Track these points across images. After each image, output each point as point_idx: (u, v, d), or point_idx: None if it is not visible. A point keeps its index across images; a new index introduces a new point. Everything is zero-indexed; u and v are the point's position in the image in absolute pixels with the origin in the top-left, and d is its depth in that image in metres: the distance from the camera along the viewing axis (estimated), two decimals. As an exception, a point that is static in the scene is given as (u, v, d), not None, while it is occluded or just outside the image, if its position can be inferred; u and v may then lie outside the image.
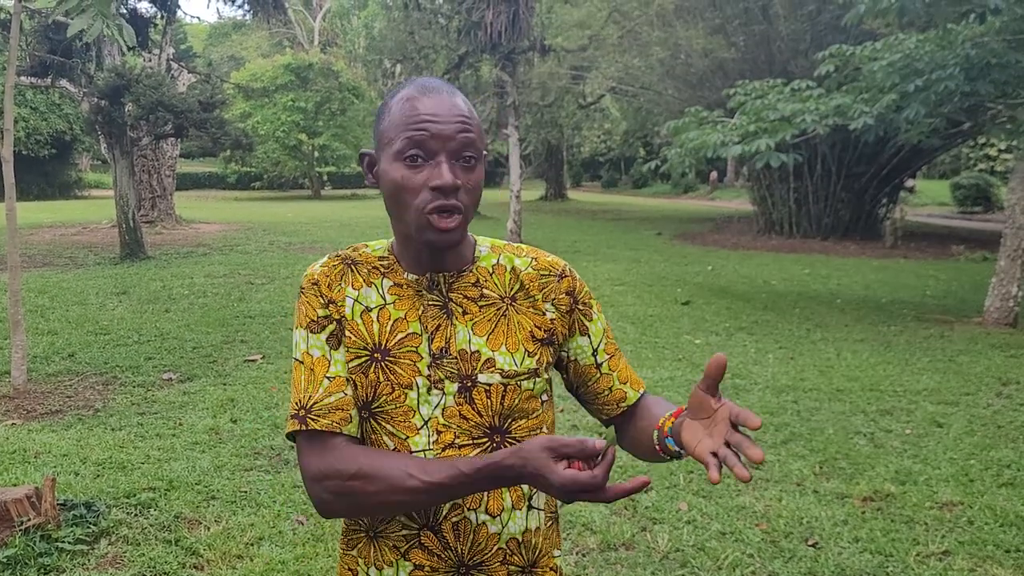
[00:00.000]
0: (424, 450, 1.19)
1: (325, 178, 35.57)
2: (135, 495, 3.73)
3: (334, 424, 1.16)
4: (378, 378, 1.19)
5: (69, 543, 3.21)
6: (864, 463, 4.30)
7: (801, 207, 17.25)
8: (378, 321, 1.21)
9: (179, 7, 14.68)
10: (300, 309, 1.23)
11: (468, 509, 1.20)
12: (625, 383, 1.34)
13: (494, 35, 14.98)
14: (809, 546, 3.37)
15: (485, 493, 1.20)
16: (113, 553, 3.23)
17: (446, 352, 1.20)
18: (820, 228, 17.02)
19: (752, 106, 8.64)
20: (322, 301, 1.21)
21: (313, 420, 1.16)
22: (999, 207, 20.89)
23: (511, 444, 1.21)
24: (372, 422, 1.20)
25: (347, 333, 1.20)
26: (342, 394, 1.18)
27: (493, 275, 1.27)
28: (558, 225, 20.41)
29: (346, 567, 1.28)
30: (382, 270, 1.24)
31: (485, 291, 1.26)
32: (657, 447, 1.20)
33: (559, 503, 1.34)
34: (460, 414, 1.20)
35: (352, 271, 1.24)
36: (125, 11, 12.43)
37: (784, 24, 15.97)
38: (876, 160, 16.11)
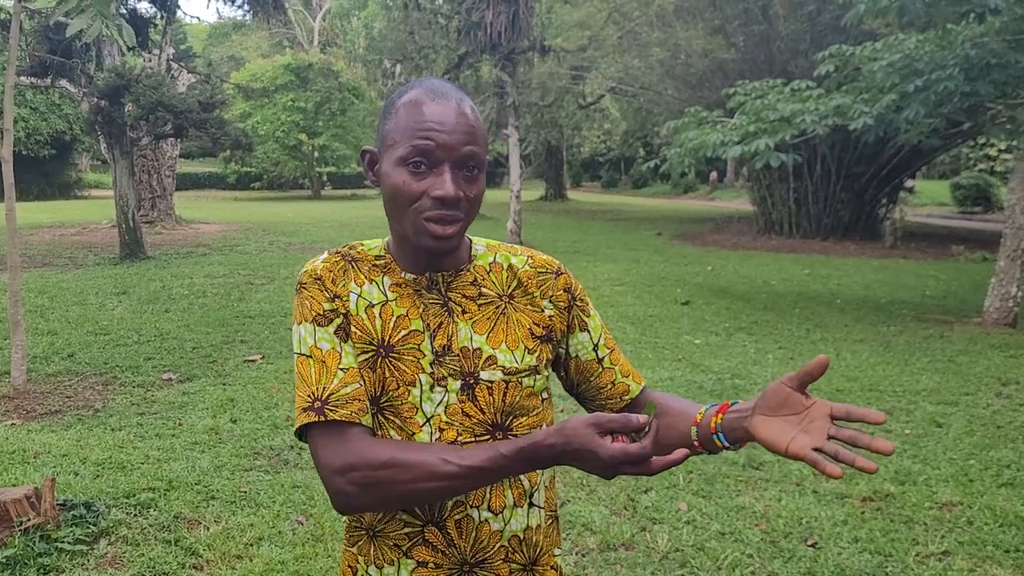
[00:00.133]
0: None
1: (325, 178, 35.58)
2: (135, 495, 3.73)
3: (353, 414, 1.14)
4: (384, 373, 1.19)
5: (68, 543, 3.21)
6: (864, 463, 4.29)
7: (801, 207, 17.25)
8: (381, 317, 1.21)
9: (179, 7, 14.68)
10: (303, 304, 1.21)
11: (471, 506, 1.20)
12: (627, 377, 1.36)
13: (494, 35, 14.98)
14: (808, 546, 3.37)
15: (487, 490, 1.21)
16: (113, 553, 3.23)
17: (448, 349, 1.21)
18: (820, 228, 17.02)
19: (752, 106, 8.64)
20: (327, 295, 1.20)
21: (332, 411, 1.14)
22: (999, 207, 20.90)
23: None
24: (380, 417, 1.20)
25: (353, 328, 1.20)
26: (357, 384, 1.17)
27: (490, 273, 1.28)
28: (558, 225, 20.41)
29: (346, 564, 1.28)
30: (381, 268, 1.25)
31: (483, 290, 1.26)
32: (696, 442, 1.20)
33: (558, 502, 1.34)
34: (463, 411, 1.20)
35: (354, 267, 1.24)
36: (125, 11, 12.43)
37: (784, 24, 15.97)
38: (876, 160, 16.11)
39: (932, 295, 10.35)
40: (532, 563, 1.27)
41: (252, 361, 6.35)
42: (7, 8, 11.84)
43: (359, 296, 1.21)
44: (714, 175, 34.74)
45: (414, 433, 1.19)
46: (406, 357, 1.20)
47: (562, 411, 4.97)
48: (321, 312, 1.19)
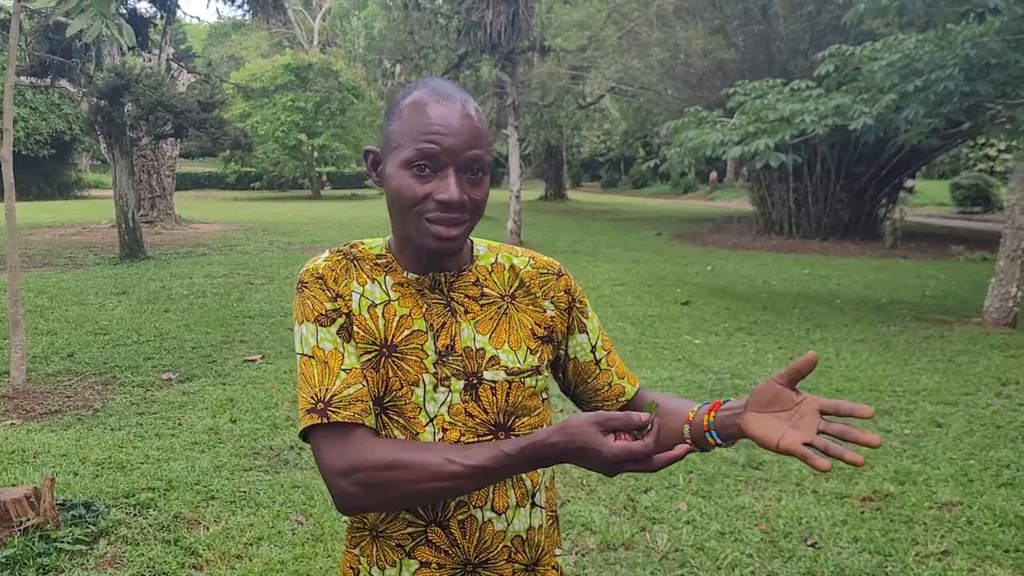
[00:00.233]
0: None
1: (325, 178, 35.57)
2: (134, 495, 3.73)
3: (356, 416, 1.13)
4: (387, 373, 1.19)
5: (68, 543, 3.21)
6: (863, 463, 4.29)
7: (801, 207, 17.25)
8: (383, 317, 1.20)
9: (179, 7, 14.68)
10: (305, 303, 1.20)
11: (474, 507, 1.21)
12: (623, 378, 1.37)
13: (494, 35, 14.98)
14: (808, 546, 3.37)
15: (490, 490, 1.21)
16: (112, 553, 3.23)
17: (451, 349, 1.21)
18: (820, 228, 17.02)
19: (751, 106, 8.64)
20: (329, 295, 1.20)
21: (334, 412, 1.13)
22: (999, 207, 20.90)
23: None
24: (384, 417, 1.20)
25: (356, 327, 1.19)
26: (360, 385, 1.16)
27: (492, 274, 1.29)
28: (558, 225, 20.41)
29: (348, 565, 1.28)
30: (383, 267, 1.24)
31: (485, 290, 1.27)
32: (689, 440, 1.20)
33: (558, 502, 1.35)
34: (466, 411, 1.20)
35: (356, 266, 1.23)
36: (125, 11, 12.42)
37: (783, 24, 15.97)
38: (876, 160, 16.12)
39: (932, 295, 10.35)
40: (534, 563, 1.27)
41: (252, 361, 6.35)
42: (7, 8, 11.84)
43: (362, 296, 1.21)
44: (714, 175, 34.74)
45: (418, 433, 1.19)
46: (409, 357, 1.20)
47: (561, 411, 4.97)
48: (323, 312, 1.19)
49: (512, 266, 1.30)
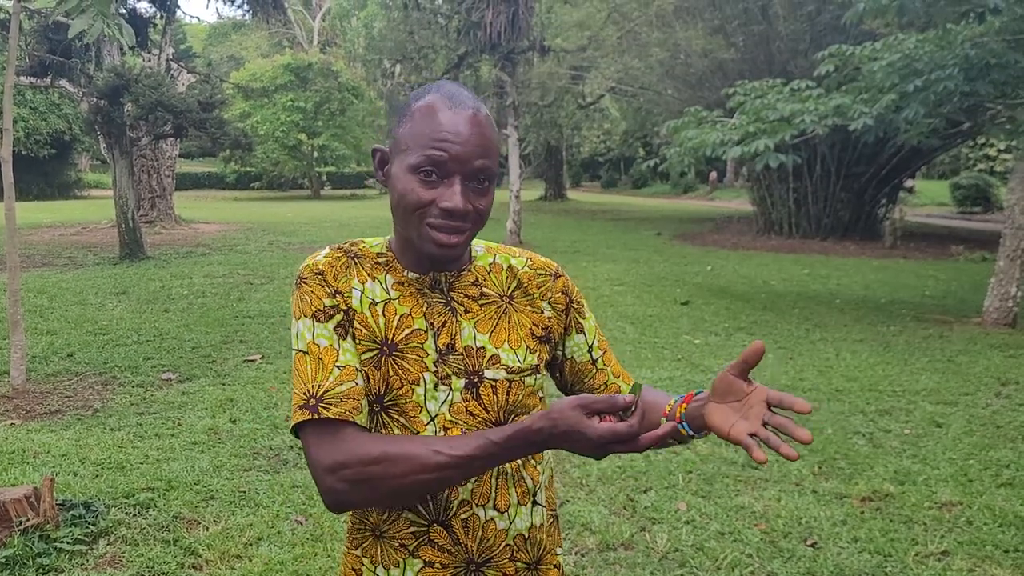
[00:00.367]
0: None
1: (324, 178, 35.55)
2: (134, 495, 3.73)
3: (347, 413, 1.13)
4: (388, 372, 1.19)
5: (68, 543, 3.21)
6: (863, 463, 4.30)
7: (801, 207, 17.25)
8: (384, 315, 1.20)
9: (178, 7, 14.68)
10: (303, 299, 1.20)
11: (476, 505, 1.21)
12: (618, 377, 1.38)
13: (494, 35, 14.98)
14: (808, 546, 3.37)
15: (492, 489, 1.21)
16: (112, 553, 3.23)
17: (452, 348, 1.21)
18: (819, 228, 17.02)
19: (751, 106, 8.64)
20: (328, 291, 1.19)
21: (325, 408, 1.13)
22: (998, 207, 20.90)
23: None
24: (384, 415, 1.20)
25: (356, 325, 1.19)
26: (353, 383, 1.16)
27: (491, 274, 1.29)
28: (557, 225, 20.41)
29: (349, 567, 1.28)
30: (383, 266, 1.24)
31: (485, 290, 1.27)
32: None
33: (557, 501, 1.35)
34: (467, 410, 1.21)
35: (356, 264, 1.23)
36: (124, 11, 12.42)
37: (783, 24, 15.97)
38: (875, 160, 16.12)
39: (932, 295, 10.35)
40: (536, 562, 1.27)
41: (251, 361, 6.35)
42: (7, 8, 11.84)
43: (362, 293, 1.21)
44: (714, 175, 34.74)
45: (418, 431, 1.19)
46: (410, 356, 1.20)
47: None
48: (321, 308, 1.18)
49: (510, 267, 1.31)
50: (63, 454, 4.26)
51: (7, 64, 5.39)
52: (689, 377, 5.98)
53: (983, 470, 4.21)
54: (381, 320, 1.20)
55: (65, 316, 7.91)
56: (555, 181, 32.30)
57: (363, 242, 1.28)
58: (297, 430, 1.16)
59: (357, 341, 1.19)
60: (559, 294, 1.32)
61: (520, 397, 1.24)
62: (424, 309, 1.22)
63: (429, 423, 1.19)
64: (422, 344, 1.20)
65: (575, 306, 1.34)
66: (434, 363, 1.20)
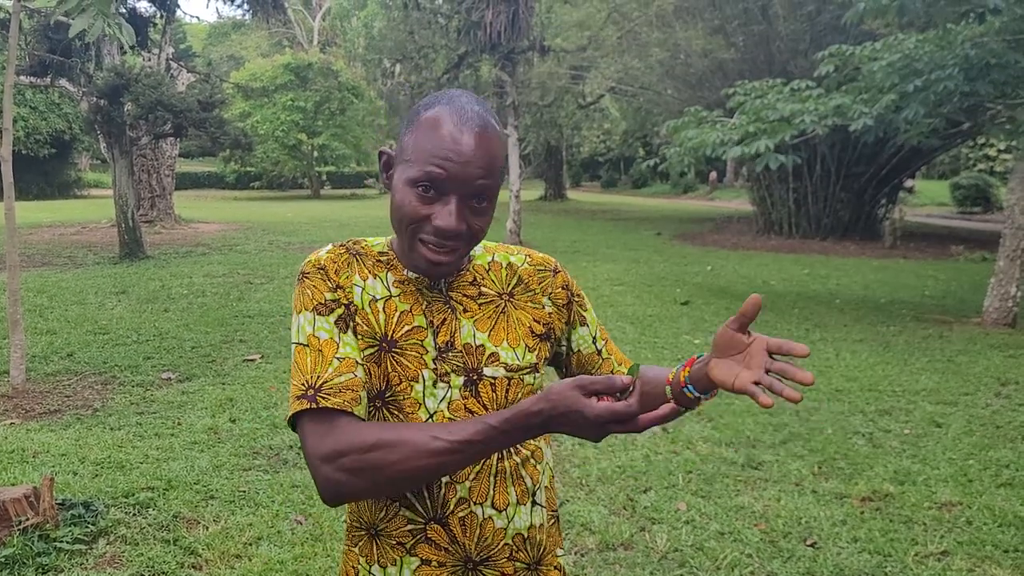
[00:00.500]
0: None
1: (324, 178, 35.54)
2: (133, 495, 3.73)
3: (345, 403, 1.12)
4: (387, 368, 1.19)
5: (67, 543, 3.21)
6: (863, 463, 4.30)
7: (800, 207, 17.25)
8: (384, 312, 1.21)
9: (178, 6, 14.69)
10: (305, 293, 1.20)
11: (475, 503, 1.21)
12: (621, 365, 1.40)
13: (494, 35, 14.97)
14: (808, 546, 3.37)
15: (491, 487, 1.21)
16: (111, 553, 3.23)
17: (451, 346, 1.22)
18: (819, 228, 17.02)
19: (751, 106, 8.64)
20: (330, 285, 1.20)
21: (324, 398, 1.12)
22: (998, 207, 20.91)
23: None
24: (384, 412, 1.20)
25: (357, 320, 1.19)
26: (352, 375, 1.15)
27: (490, 272, 1.30)
28: (557, 225, 20.40)
29: (349, 565, 1.28)
30: (385, 264, 1.25)
31: (483, 289, 1.28)
32: (670, 399, 1.21)
33: (557, 502, 1.35)
34: (466, 407, 1.21)
35: (358, 261, 1.24)
36: (124, 10, 12.42)
37: (783, 24, 15.97)
38: (875, 160, 16.12)
39: (931, 295, 10.35)
40: (536, 563, 1.27)
41: (251, 361, 6.35)
42: (7, 7, 11.83)
43: (363, 289, 1.21)
44: (714, 175, 34.74)
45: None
46: (409, 352, 1.20)
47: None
48: (323, 301, 1.19)
49: (509, 264, 1.32)
50: (63, 453, 4.26)
51: (7, 63, 5.39)
52: (689, 377, 5.97)
53: (983, 470, 4.21)
54: (381, 316, 1.20)
55: (65, 316, 7.91)
56: (555, 181, 32.29)
57: (365, 241, 1.28)
58: (295, 422, 1.15)
59: (358, 336, 1.19)
60: (560, 289, 1.33)
61: (519, 395, 1.24)
62: (424, 307, 1.23)
63: (428, 420, 1.19)
64: (422, 341, 1.21)
65: (576, 299, 1.36)
66: (433, 360, 1.20)
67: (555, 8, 21.75)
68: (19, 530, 3.17)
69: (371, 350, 1.19)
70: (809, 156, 15.36)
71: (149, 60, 15.16)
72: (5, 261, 6.18)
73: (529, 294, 1.30)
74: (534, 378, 1.27)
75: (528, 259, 1.34)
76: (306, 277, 1.21)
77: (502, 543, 1.23)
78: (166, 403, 5.24)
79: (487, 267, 1.30)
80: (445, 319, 1.23)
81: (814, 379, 1.07)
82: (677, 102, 18.12)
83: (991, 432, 4.82)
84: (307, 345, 1.17)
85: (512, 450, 1.25)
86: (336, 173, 36.43)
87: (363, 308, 1.20)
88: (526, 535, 1.25)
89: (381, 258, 1.25)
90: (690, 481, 4.02)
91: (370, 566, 1.24)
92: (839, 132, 9.60)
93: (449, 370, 1.21)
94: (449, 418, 1.20)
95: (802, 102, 8.30)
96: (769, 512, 3.68)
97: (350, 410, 1.13)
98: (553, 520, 1.32)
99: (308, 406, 1.12)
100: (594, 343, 1.37)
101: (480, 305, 1.26)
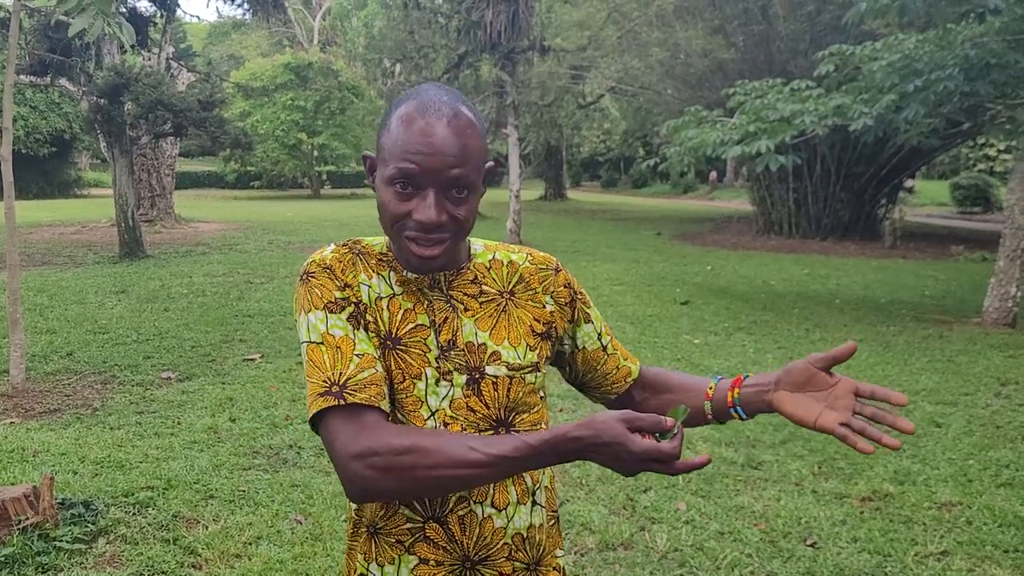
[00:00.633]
0: None
1: (324, 177, 35.55)
2: (133, 494, 3.73)
3: (372, 398, 1.11)
4: (391, 366, 1.19)
5: (67, 542, 3.21)
6: (863, 463, 4.30)
7: (800, 207, 17.25)
8: (389, 310, 1.21)
9: (179, 6, 14.69)
10: (313, 292, 1.19)
11: (474, 502, 1.20)
12: (627, 359, 1.41)
13: (494, 35, 14.98)
14: (807, 546, 3.37)
15: (491, 486, 1.21)
16: (111, 552, 3.23)
17: (453, 344, 1.22)
18: (819, 228, 17.02)
19: (752, 106, 8.64)
20: (338, 284, 1.19)
21: (351, 394, 1.11)
22: (998, 207, 20.90)
23: None
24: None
25: (368, 318, 1.19)
26: (374, 370, 1.15)
27: (491, 270, 1.30)
28: (557, 225, 20.40)
29: (352, 564, 1.29)
30: (387, 264, 1.25)
31: (484, 287, 1.28)
32: (710, 416, 1.23)
33: (557, 502, 1.35)
34: (467, 406, 1.21)
35: (362, 260, 1.24)
36: (124, 10, 12.42)
37: (783, 24, 15.97)
38: (875, 160, 16.12)
39: (931, 295, 10.35)
40: (535, 563, 1.27)
41: (251, 360, 6.34)
42: (7, 7, 11.83)
43: (370, 288, 1.21)
44: (714, 175, 34.74)
45: (419, 427, 1.19)
46: (412, 350, 1.20)
47: (561, 411, 4.97)
48: (333, 299, 1.18)
49: (511, 262, 1.32)
50: (62, 453, 4.26)
51: (7, 63, 5.39)
52: (689, 377, 5.97)
53: (983, 470, 4.21)
54: (386, 314, 1.20)
55: (65, 315, 7.90)
56: (555, 181, 32.30)
57: (365, 240, 1.29)
58: (316, 421, 1.13)
59: (372, 335, 1.19)
60: (562, 287, 1.33)
61: (521, 394, 1.24)
62: (426, 306, 1.23)
63: (429, 418, 1.19)
64: (424, 339, 1.21)
65: (579, 297, 1.36)
66: (436, 359, 1.20)
67: (555, 8, 21.74)
68: (19, 529, 3.17)
69: (378, 348, 1.20)
70: (809, 156, 15.36)
71: (149, 59, 15.16)
72: (5, 260, 6.18)
73: (530, 293, 1.30)
74: (535, 377, 1.26)
75: (529, 258, 1.34)
76: (312, 277, 1.20)
77: (501, 542, 1.23)
78: (166, 402, 5.24)
79: (488, 265, 1.30)
80: (447, 318, 1.23)
81: (914, 428, 1.07)
82: (677, 102, 18.11)
83: (991, 432, 4.82)
84: (322, 343, 1.15)
85: None
86: (336, 173, 36.45)
87: (371, 306, 1.20)
88: (525, 535, 1.25)
89: (383, 258, 1.25)
90: (690, 481, 4.02)
91: (368, 564, 1.24)
92: (839, 132, 9.60)
93: (452, 368, 1.21)
94: (451, 416, 1.19)
95: (802, 102, 8.29)
96: (769, 512, 3.68)
97: (377, 405, 1.12)
98: (553, 520, 1.32)
99: (335, 403, 1.11)
100: (599, 339, 1.38)
101: (481, 304, 1.26)
